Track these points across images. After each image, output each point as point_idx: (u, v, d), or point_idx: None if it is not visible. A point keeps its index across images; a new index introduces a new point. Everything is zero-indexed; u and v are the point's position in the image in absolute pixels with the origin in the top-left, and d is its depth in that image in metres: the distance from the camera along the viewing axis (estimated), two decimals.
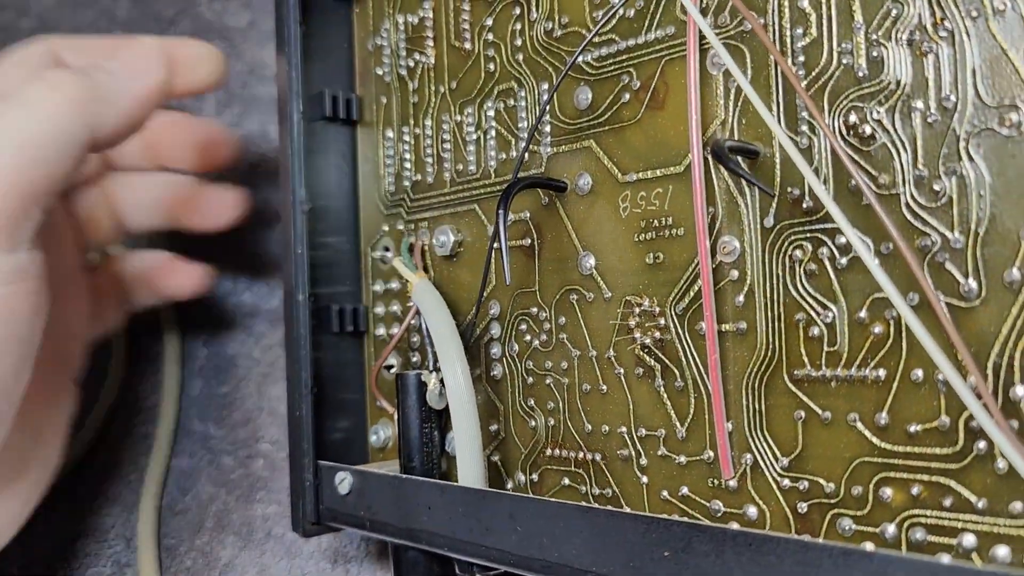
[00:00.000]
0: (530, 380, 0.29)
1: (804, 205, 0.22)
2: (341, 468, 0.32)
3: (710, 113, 0.24)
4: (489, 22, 0.30)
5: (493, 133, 0.30)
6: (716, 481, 0.24)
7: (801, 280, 0.22)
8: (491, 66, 0.30)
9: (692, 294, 0.24)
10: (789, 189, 0.22)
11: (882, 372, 0.21)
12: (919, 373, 0.20)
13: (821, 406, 0.22)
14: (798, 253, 0.22)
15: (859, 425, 0.21)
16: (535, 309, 0.29)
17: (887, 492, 0.20)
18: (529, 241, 0.29)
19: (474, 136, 0.31)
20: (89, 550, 0.42)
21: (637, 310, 0.26)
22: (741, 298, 0.23)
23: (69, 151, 0.29)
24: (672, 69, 0.25)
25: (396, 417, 0.32)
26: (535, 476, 0.29)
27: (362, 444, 0.35)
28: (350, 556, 0.40)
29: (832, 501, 0.21)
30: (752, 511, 0.23)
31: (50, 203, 0.29)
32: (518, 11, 0.29)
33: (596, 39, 0.27)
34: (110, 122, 0.30)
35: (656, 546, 0.21)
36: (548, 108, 0.28)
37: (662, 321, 0.25)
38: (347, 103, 0.35)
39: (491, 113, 0.30)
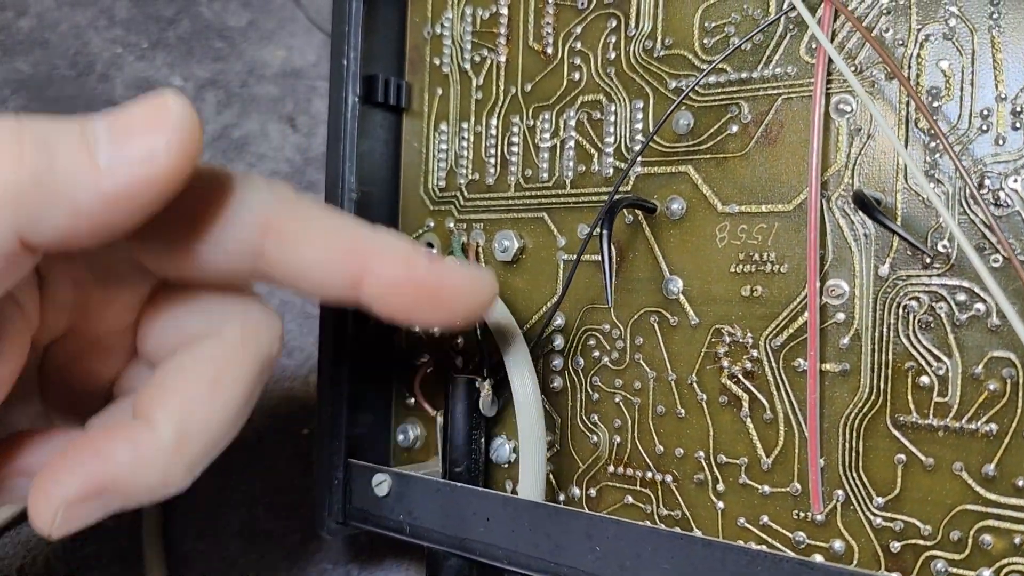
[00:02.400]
0: (595, 396, 0.29)
1: (923, 259, 0.23)
2: (379, 469, 0.31)
3: (828, 158, 0.25)
4: (578, 30, 0.30)
5: (572, 143, 0.30)
6: (802, 514, 0.25)
7: (914, 330, 0.23)
8: (576, 75, 0.30)
9: (791, 331, 0.25)
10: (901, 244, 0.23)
11: (994, 426, 0.22)
12: None
13: (924, 452, 0.23)
14: (913, 304, 0.23)
15: (964, 474, 0.22)
16: (607, 326, 0.29)
17: (988, 539, 0.22)
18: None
19: (549, 143, 0.30)
20: (88, 552, 0.40)
21: (727, 339, 0.26)
22: (846, 340, 0.24)
23: None
24: (789, 107, 0.25)
25: (440, 420, 0.32)
26: (592, 491, 0.29)
27: (385, 442, 0.34)
28: (351, 557, 0.39)
29: (928, 543, 0.23)
30: (838, 545, 0.24)
31: None
32: (614, 23, 0.29)
33: (703, 66, 0.27)
34: (55, 222, 0.20)
35: None
36: (642, 128, 0.28)
37: (754, 353, 0.26)
38: (397, 89, 0.34)
39: (572, 123, 0.30)
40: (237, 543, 0.40)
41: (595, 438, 0.29)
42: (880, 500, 0.23)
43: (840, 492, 0.24)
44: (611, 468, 0.28)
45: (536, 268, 0.31)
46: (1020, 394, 0.22)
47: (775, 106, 0.26)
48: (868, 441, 0.24)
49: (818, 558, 0.24)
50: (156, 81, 0.46)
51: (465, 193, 0.33)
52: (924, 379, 0.23)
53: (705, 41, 0.27)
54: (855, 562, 0.24)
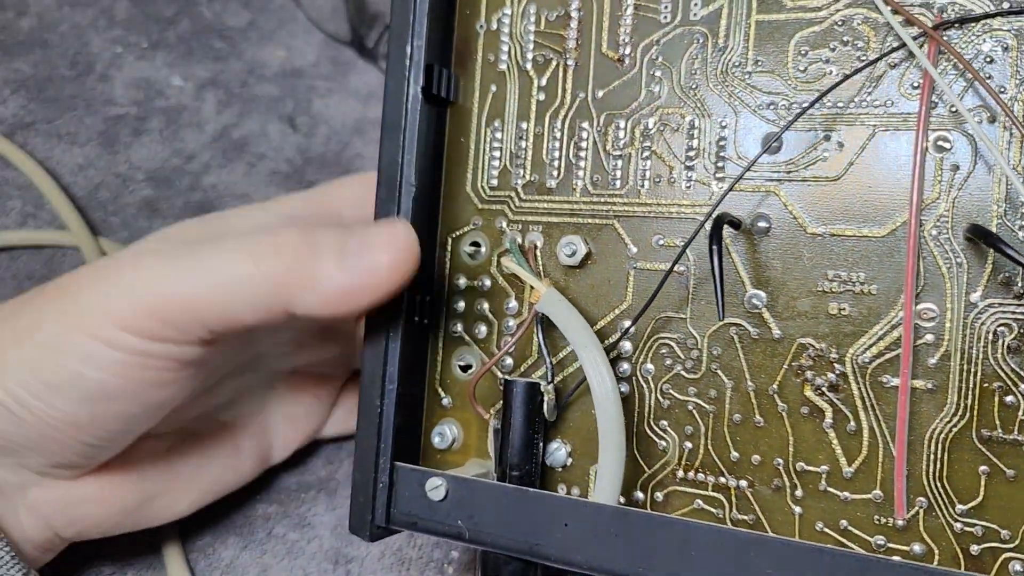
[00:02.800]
0: (666, 403, 0.30)
1: (1014, 289, 0.25)
2: (433, 473, 0.30)
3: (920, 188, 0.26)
4: (660, 42, 0.30)
5: (648, 154, 0.30)
6: (882, 519, 0.27)
7: (1003, 354, 0.25)
8: (656, 87, 0.30)
9: (879, 349, 0.27)
10: (1002, 272, 0.25)
11: None
12: None
13: (1008, 465, 0.25)
14: (1003, 330, 0.25)
15: None
16: (681, 335, 0.30)
17: None
18: (683, 268, 0.30)
19: (621, 151, 0.31)
20: (87, 551, 0.37)
21: (811, 352, 0.28)
22: (935, 360, 0.26)
23: (254, 312, 0.29)
24: (885, 139, 0.27)
25: (495, 424, 0.31)
26: (659, 495, 0.30)
27: (415, 441, 0.34)
28: (351, 557, 0.39)
29: (1007, 546, 0.25)
30: (918, 548, 0.26)
31: (222, 334, 0.30)
32: (700, 40, 0.30)
33: (796, 88, 0.28)
34: (310, 305, 0.29)
35: None
36: (728, 143, 0.29)
37: (839, 368, 0.27)
38: (448, 81, 0.33)
39: (649, 133, 0.30)
40: (236, 542, 0.38)
41: (663, 444, 0.30)
42: (962, 507, 0.26)
43: (923, 499, 0.26)
44: (680, 473, 0.29)
45: (603, 275, 0.31)
46: None
47: (871, 136, 0.27)
48: (953, 453, 0.26)
49: (897, 559, 0.26)
50: (156, 81, 0.45)
51: (521, 194, 0.32)
52: (1010, 398, 0.25)
53: (799, 65, 0.28)
54: (935, 563, 0.26)
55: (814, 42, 0.28)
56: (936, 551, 0.26)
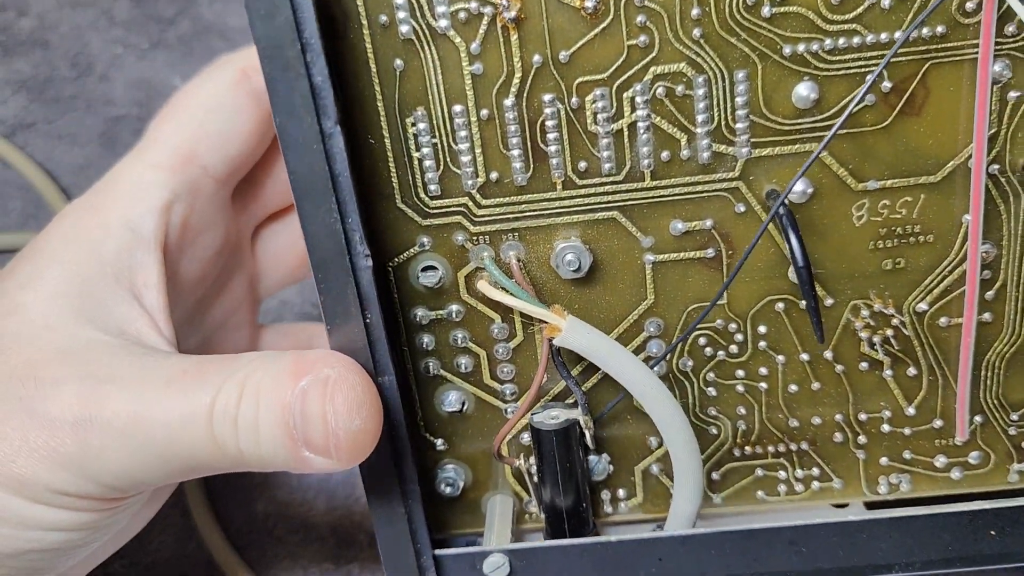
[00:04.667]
0: (712, 391, 0.27)
1: None
2: (486, 553, 0.26)
3: (971, 128, 0.24)
4: None
5: (647, 126, 0.24)
6: (943, 442, 0.28)
7: None
8: (643, 39, 0.23)
9: (936, 292, 0.26)
10: None
11: None
12: None
13: None
14: None
15: None
16: (720, 322, 0.26)
17: None
18: (713, 252, 0.25)
19: (610, 127, 0.24)
20: None
21: (866, 312, 0.26)
22: (991, 293, 0.25)
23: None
24: (938, 73, 0.23)
25: (536, 471, 0.27)
26: (716, 475, 0.28)
27: (432, 507, 0.29)
28: (351, 557, 0.38)
29: None
30: (975, 455, 0.28)
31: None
32: None
33: (832, 28, 0.23)
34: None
35: (981, 530, 0.25)
36: (747, 102, 0.24)
37: (895, 320, 0.26)
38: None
39: (641, 100, 0.24)
40: (237, 543, 0.38)
41: (714, 430, 0.28)
42: (1015, 415, 0.27)
43: (979, 417, 0.27)
44: (737, 452, 0.28)
45: (613, 277, 0.26)
46: None
47: (922, 71, 0.23)
48: (1008, 371, 0.26)
49: (956, 473, 0.28)
50: (156, 81, 0.45)
51: (479, 199, 0.25)
52: None
53: None
54: (991, 463, 0.28)
55: None
56: (992, 454, 0.28)
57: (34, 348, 0.24)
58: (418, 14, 0.23)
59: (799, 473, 0.28)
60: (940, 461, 0.28)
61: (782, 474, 0.28)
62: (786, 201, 0.24)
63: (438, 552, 0.27)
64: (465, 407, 0.28)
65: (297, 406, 0.22)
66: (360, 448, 0.22)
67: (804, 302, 0.26)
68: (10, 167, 0.44)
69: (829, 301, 0.26)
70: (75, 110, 0.45)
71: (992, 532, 0.26)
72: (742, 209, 0.25)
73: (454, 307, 0.26)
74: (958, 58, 0.23)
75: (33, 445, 0.23)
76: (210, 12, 0.46)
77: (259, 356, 0.24)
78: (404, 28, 0.23)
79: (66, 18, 0.45)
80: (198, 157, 0.28)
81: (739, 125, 0.24)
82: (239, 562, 0.38)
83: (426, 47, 0.23)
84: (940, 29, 0.23)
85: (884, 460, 0.28)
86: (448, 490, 0.28)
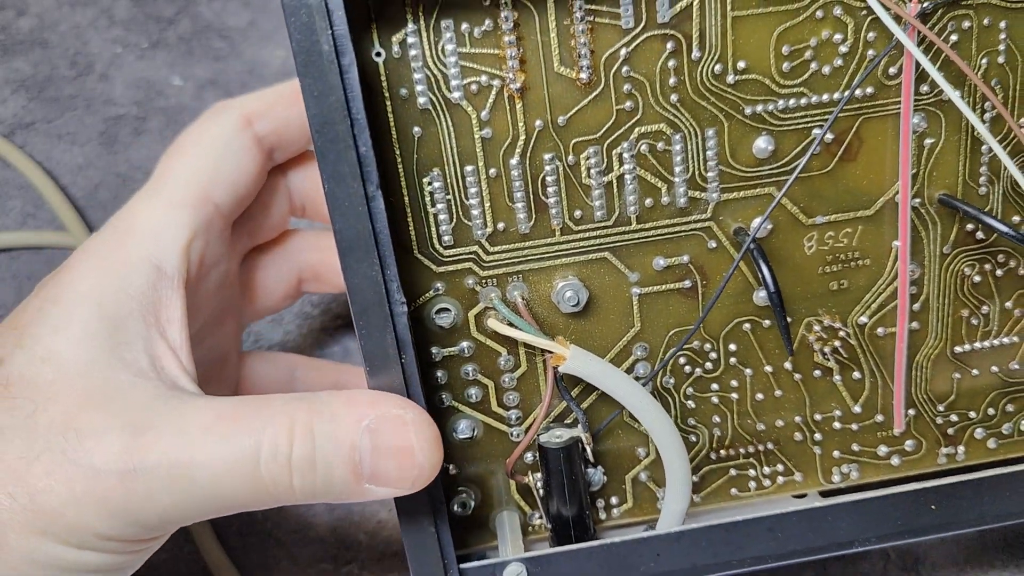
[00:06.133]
0: (691, 404, 0.31)
1: (977, 236, 0.30)
2: (504, 563, 0.30)
3: (897, 169, 0.29)
4: (624, 53, 0.26)
5: (633, 178, 0.28)
6: (884, 433, 0.32)
7: (968, 287, 0.30)
8: (629, 104, 0.27)
9: (873, 307, 0.30)
10: (968, 226, 0.30)
11: (1016, 339, 0.31)
12: None
13: (972, 367, 0.32)
14: (967, 269, 0.30)
15: (998, 372, 0.32)
16: (697, 343, 0.30)
17: (1010, 407, 0.32)
18: (690, 283, 0.29)
19: (602, 180, 0.28)
20: None
21: (817, 327, 0.30)
22: (918, 305, 0.31)
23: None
24: (869, 125, 0.28)
25: (543, 485, 0.30)
26: (695, 478, 0.32)
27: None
28: (350, 558, 0.39)
29: (973, 421, 0.32)
30: (910, 443, 0.32)
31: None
32: (672, 46, 0.27)
33: (784, 91, 0.27)
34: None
35: (924, 505, 0.30)
36: (716, 155, 0.28)
37: (841, 332, 0.31)
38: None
39: (628, 155, 0.28)
40: (236, 542, 0.39)
41: (693, 438, 0.32)
42: (941, 407, 0.32)
43: (912, 411, 0.32)
44: (713, 455, 0.32)
45: (606, 307, 0.29)
46: None
47: (856, 125, 0.28)
48: (934, 369, 0.32)
49: (895, 460, 0.32)
50: (156, 81, 0.45)
51: (487, 247, 0.28)
52: (974, 320, 0.31)
53: (784, 66, 0.27)
54: (923, 450, 0.33)
55: (793, 39, 0.27)
56: (924, 441, 0.33)
57: (71, 398, 0.26)
58: (434, 87, 0.26)
59: (766, 470, 0.32)
60: (882, 450, 0.33)
61: (752, 472, 0.32)
62: (755, 237, 0.28)
63: (463, 566, 0.30)
64: (475, 433, 0.31)
65: (366, 443, 0.24)
66: (432, 476, 0.26)
67: (767, 322, 0.30)
68: (9, 166, 0.44)
69: (788, 319, 0.30)
70: (75, 109, 0.45)
71: (933, 506, 0.31)
72: (714, 245, 0.29)
73: (465, 344, 0.29)
74: (884, 113, 0.28)
75: (80, 496, 0.25)
76: (210, 12, 0.46)
77: (296, 398, 0.26)
78: (422, 100, 0.27)
79: (66, 17, 0.45)
80: (213, 196, 0.30)
81: (710, 174, 0.28)
82: (229, 565, 0.39)
83: (441, 116, 0.27)
84: (869, 90, 0.28)
85: (836, 453, 0.32)
86: (460, 510, 0.31)
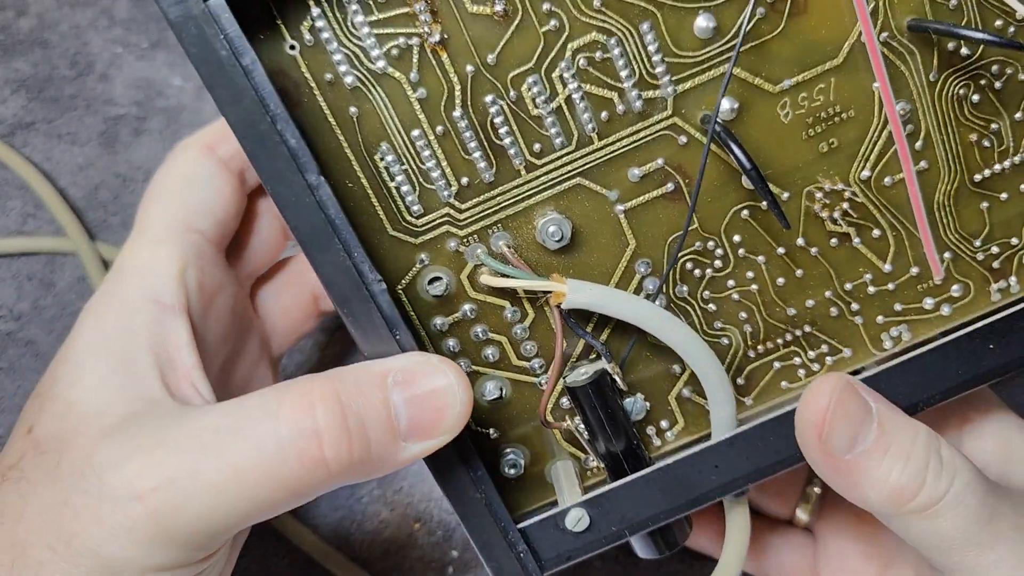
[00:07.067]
0: (712, 307, 0.30)
1: (962, 53, 0.28)
2: (565, 509, 0.29)
3: (853, 8, 0.27)
4: None
5: (581, 96, 0.27)
6: (924, 285, 0.31)
7: (968, 109, 0.29)
8: (553, 23, 0.26)
9: (872, 158, 0.29)
10: (949, 44, 0.28)
11: None
12: None
13: (998, 191, 0.30)
14: (961, 91, 0.28)
15: None
16: (699, 243, 0.29)
17: None
18: (672, 186, 0.28)
19: (551, 107, 0.27)
20: None
21: (819, 195, 0.29)
22: (920, 143, 0.29)
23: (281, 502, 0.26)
24: None
25: (584, 427, 0.30)
26: (740, 380, 0.31)
27: (505, 493, 0.31)
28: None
29: (1016, 247, 0.30)
30: (956, 288, 0.31)
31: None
32: None
33: None
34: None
35: (982, 348, 0.28)
36: (659, 47, 0.27)
37: (847, 193, 0.29)
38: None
39: (569, 75, 0.27)
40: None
41: (725, 341, 0.31)
42: (977, 242, 0.30)
43: (948, 253, 0.30)
44: (751, 353, 0.31)
45: (594, 235, 0.29)
46: None
47: None
48: (958, 206, 0.30)
49: (945, 309, 0.31)
50: (156, 81, 0.45)
51: (458, 205, 0.28)
52: (985, 141, 0.29)
53: None
54: (972, 292, 0.31)
55: None
56: (970, 283, 0.31)
57: (88, 438, 0.26)
58: (356, 63, 0.26)
59: (811, 354, 0.31)
60: (928, 303, 0.31)
61: (797, 360, 0.31)
62: (719, 120, 0.27)
63: (521, 525, 0.29)
64: (504, 392, 0.30)
65: (397, 397, 0.25)
66: (467, 416, 0.26)
67: (764, 203, 0.29)
68: (9, 167, 0.44)
69: (785, 195, 0.29)
70: (75, 109, 0.45)
71: (991, 346, 0.29)
72: (684, 141, 0.28)
73: (466, 307, 0.29)
74: None
75: (111, 530, 0.24)
76: None
77: (306, 378, 0.26)
78: (348, 79, 0.26)
79: (65, 17, 0.45)
80: (194, 224, 0.31)
81: (658, 69, 0.27)
82: None
83: (372, 89, 0.27)
84: None
85: (880, 319, 0.31)
86: (512, 471, 0.31)
